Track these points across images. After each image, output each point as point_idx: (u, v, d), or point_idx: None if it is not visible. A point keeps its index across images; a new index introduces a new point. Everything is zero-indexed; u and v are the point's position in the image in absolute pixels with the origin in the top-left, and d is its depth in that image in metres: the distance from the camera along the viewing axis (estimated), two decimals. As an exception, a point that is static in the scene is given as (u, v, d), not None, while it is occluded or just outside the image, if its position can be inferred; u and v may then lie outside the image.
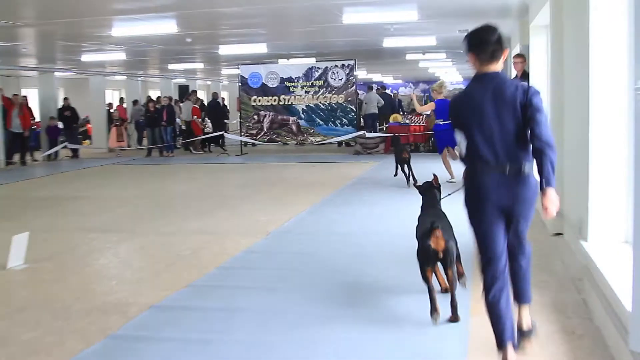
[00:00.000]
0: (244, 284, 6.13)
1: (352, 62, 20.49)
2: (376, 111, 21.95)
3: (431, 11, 12.40)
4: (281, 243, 7.86)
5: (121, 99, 25.83)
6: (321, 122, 20.61)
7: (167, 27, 13.24)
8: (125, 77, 27.29)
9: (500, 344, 3.91)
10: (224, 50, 18.98)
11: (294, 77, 20.79)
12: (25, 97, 21.49)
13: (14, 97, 19.94)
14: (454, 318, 4.82)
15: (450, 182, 11.47)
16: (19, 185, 15.04)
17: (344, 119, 20.47)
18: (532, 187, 3.87)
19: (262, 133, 21.10)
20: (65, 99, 22.45)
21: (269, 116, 20.98)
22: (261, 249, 7.55)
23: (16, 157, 19.85)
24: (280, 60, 22.00)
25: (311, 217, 9.55)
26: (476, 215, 3.97)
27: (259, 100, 21.08)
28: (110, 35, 14.27)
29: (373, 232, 8.33)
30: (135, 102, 24.98)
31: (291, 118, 20.83)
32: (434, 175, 5.91)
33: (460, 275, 5.41)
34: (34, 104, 23.04)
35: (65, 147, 21.34)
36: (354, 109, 20.55)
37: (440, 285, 5.33)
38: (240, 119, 22.04)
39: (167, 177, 15.79)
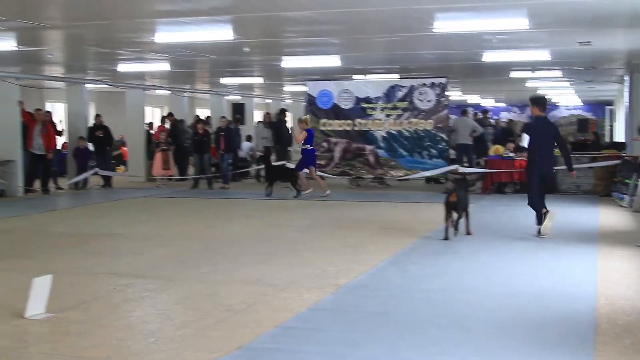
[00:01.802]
0: (309, 349, 6.13)
1: (443, 80, 20.49)
2: (469, 142, 21.78)
3: (545, 18, 12.34)
4: (353, 300, 7.85)
5: (163, 118, 26.42)
6: (404, 153, 20.61)
7: (221, 33, 13.50)
8: (168, 92, 27.92)
9: (540, 222, 11.98)
10: (288, 62, 19.24)
11: (372, 97, 20.91)
12: (49, 112, 22.19)
13: (36, 113, 20.58)
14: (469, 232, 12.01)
15: (324, 195, 18.31)
16: (40, 218, 15.48)
17: (432, 150, 20.42)
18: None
19: (333, 164, 21.24)
20: (98, 116, 23.08)
21: (341, 144, 21.11)
22: (329, 307, 7.56)
23: (37, 184, 20.44)
24: (355, 77, 22.18)
25: (391, 269, 9.52)
26: (531, 173, 12.03)
27: (330, 124, 21.26)
28: (153, 42, 14.65)
29: (468, 290, 8.25)
30: (180, 121, 25.42)
31: (368, 147, 20.92)
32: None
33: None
34: (60, 121, 23.73)
35: (96, 173, 21.85)
36: (445, 138, 20.49)
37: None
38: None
39: (218, 214, 16.04)
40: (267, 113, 25.58)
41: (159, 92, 28.96)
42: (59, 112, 26.58)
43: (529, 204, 12.14)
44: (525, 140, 11.95)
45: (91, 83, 24.29)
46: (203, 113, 30.85)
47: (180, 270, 9.59)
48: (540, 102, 12.16)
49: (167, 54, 17.15)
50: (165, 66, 19.83)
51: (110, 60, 18.87)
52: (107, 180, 22.37)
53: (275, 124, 24.06)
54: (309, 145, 18.71)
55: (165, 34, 13.82)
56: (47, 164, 20.40)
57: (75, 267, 9.84)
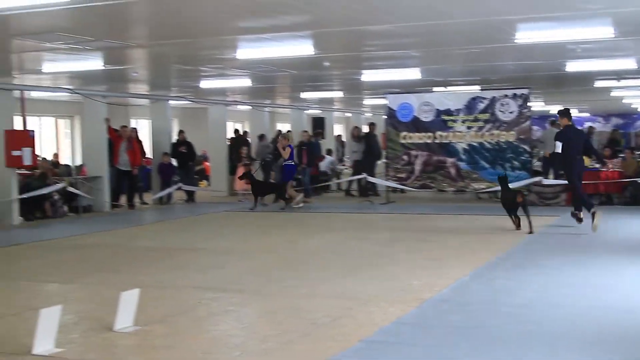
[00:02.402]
0: (394, 363, 6.11)
1: (525, 91, 20.22)
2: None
3: (631, 27, 12.08)
4: (438, 314, 7.79)
5: (244, 133, 26.69)
6: (486, 165, 20.38)
7: (302, 48, 13.58)
8: (249, 107, 28.21)
9: (591, 207, 13.58)
10: (368, 76, 19.26)
11: (452, 109, 20.75)
12: (135, 129, 22.65)
13: (122, 130, 21.05)
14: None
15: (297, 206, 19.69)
16: (126, 233, 15.81)
17: (515, 162, 20.13)
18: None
19: (413, 177, 21.14)
20: (181, 132, 23.47)
21: (422, 157, 21.01)
22: (414, 321, 7.52)
23: (123, 199, 20.88)
24: (436, 89, 22.07)
25: (474, 283, 9.43)
26: (572, 173, 14.11)
27: (410, 137, 21.16)
28: (235, 58, 14.82)
29: (555, 305, 8.10)
30: (261, 136, 25.67)
31: (449, 159, 20.75)
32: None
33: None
34: (145, 137, 24.21)
35: (179, 188, 22.21)
36: (528, 150, 20.20)
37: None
38: (386, 159, 22.19)
39: (299, 228, 16.13)
40: (356, 127, 25.50)
41: (240, 107, 29.30)
42: (143, 129, 27.10)
43: (578, 198, 14.22)
44: (558, 147, 13.92)
45: (174, 100, 24.71)
46: (284, 127, 31.07)
47: (263, 284, 9.67)
48: (568, 113, 14.40)
49: (248, 69, 17.33)
50: (246, 82, 20.03)
51: (193, 77, 19.17)
52: (190, 195, 22.70)
53: (364, 137, 24.07)
54: (291, 161, 20.39)
55: (247, 50, 13.97)
56: (132, 179, 20.83)
57: (161, 280, 10.00)
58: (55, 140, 28.69)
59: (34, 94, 21.78)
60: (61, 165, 23.27)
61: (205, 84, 20.38)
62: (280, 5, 9.81)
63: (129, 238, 14.96)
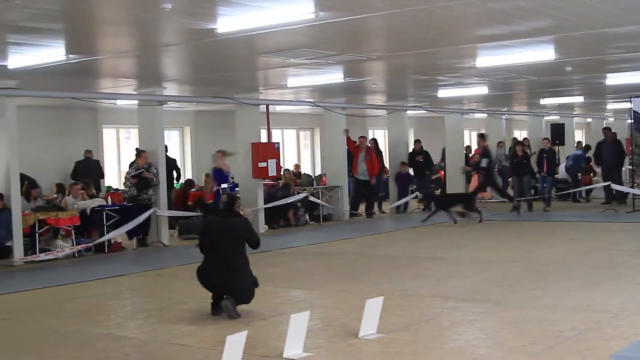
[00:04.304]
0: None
1: None
2: None
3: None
4: (695, 330, 7.34)
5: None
6: None
7: (542, 54, 13.39)
8: (485, 114, 27.91)
9: None
10: (612, 79, 18.55)
11: None
12: (374, 140, 23.12)
13: (361, 140, 21.47)
14: None
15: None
16: (366, 241, 16.12)
17: None
18: None
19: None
20: (417, 141, 23.58)
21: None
22: (668, 336, 7.14)
23: (362, 208, 21.30)
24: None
25: None
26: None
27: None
28: (474, 67, 14.78)
29: None
30: (499, 143, 25.31)
31: None
32: None
33: None
34: (382, 147, 24.56)
35: (416, 197, 22.35)
36: None
37: None
38: (631, 165, 21.22)
39: (538, 237, 15.80)
40: (608, 128, 24.25)
41: (476, 115, 29.06)
42: (379, 139, 27.53)
43: None
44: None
45: (411, 109, 24.89)
46: (520, 135, 30.47)
47: (506, 294, 9.53)
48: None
49: (486, 77, 17.20)
50: (483, 90, 19.87)
51: (431, 87, 19.30)
52: (427, 204, 22.71)
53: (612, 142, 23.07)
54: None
55: (486, 58, 13.92)
56: (370, 188, 21.18)
57: (401, 289, 10.10)
58: (297, 151, 29.80)
59: (278, 108, 22.74)
60: (303, 175, 24.08)
61: (442, 93, 20.42)
62: (521, 11, 9.69)
63: (369, 246, 15.24)
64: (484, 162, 20.54)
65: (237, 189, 18.78)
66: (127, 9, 9.27)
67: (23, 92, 14.77)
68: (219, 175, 16.24)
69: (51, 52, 11.53)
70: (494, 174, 22.21)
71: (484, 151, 20.86)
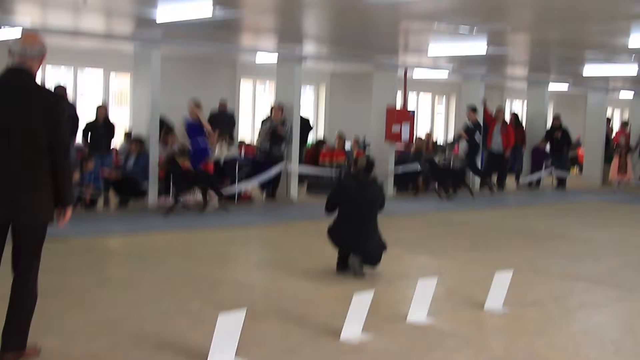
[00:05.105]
0: None
1: None
2: None
3: None
4: None
5: (624, 123, 25.56)
6: None
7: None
8: (631, 94, 26.83)
9: None
10: None
11: None
12: (515, 114, 22.71)
13: (498, 112, 20.99)
14: None
15: None
16: (496, 213, 15.85)
17: None
18: None
19: None
20: (557, 117, 22.89)
21: None
22: None
23: (492, 181, 20.90)
24: None
25: None
26: None
27: None
28: (625, 45, 14.22)
29: None
30: (623, 124, 24.57)
31: None
32: None
33: None
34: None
35: (550, 174, 21.81)
36: None
37: None
38: None
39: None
40: None
41: (621, 95, 28.01)
42: (517, 111, 26.93)
43: None
44: None
45: (553, 83, 24.16)
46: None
47: (640, 280, 9.21)
48: None
49: (637, 55, 16.47)
50: (632, 68, 18.98)
51: (576, 62, 18.65)
52: (561, 181, 22.16)
53: None
54: None
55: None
56: (503, 162, 20.74)
57: (531, 265, 9.87)
58: (431, 118, 29.46)
59: (414, 74, 22.47)
60: (435, 144, 23.80)
61: (588, 69, 19.69)
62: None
63: (499, 219, 14.95)
64: (477, 137, 19.77)
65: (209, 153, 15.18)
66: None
67: (169, 41, 15.19)
68: (192, 129, 14.76)
69: (198, 6, 11.67)
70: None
71: (473, 125, 19.90)
